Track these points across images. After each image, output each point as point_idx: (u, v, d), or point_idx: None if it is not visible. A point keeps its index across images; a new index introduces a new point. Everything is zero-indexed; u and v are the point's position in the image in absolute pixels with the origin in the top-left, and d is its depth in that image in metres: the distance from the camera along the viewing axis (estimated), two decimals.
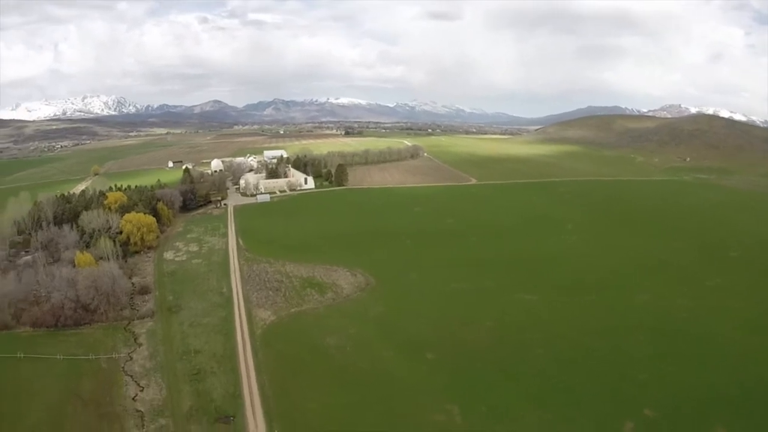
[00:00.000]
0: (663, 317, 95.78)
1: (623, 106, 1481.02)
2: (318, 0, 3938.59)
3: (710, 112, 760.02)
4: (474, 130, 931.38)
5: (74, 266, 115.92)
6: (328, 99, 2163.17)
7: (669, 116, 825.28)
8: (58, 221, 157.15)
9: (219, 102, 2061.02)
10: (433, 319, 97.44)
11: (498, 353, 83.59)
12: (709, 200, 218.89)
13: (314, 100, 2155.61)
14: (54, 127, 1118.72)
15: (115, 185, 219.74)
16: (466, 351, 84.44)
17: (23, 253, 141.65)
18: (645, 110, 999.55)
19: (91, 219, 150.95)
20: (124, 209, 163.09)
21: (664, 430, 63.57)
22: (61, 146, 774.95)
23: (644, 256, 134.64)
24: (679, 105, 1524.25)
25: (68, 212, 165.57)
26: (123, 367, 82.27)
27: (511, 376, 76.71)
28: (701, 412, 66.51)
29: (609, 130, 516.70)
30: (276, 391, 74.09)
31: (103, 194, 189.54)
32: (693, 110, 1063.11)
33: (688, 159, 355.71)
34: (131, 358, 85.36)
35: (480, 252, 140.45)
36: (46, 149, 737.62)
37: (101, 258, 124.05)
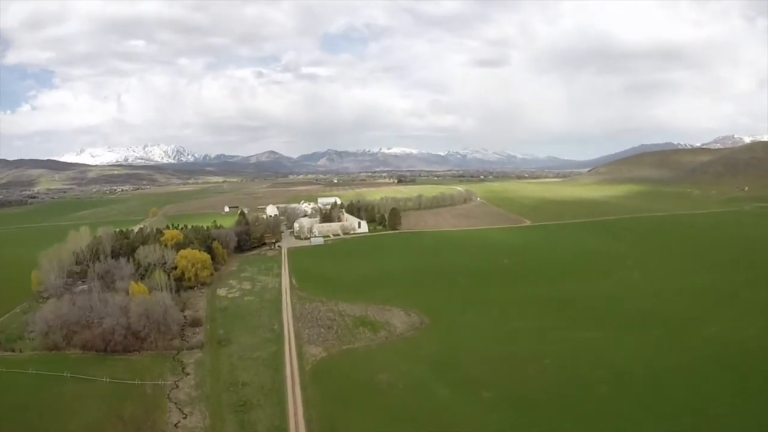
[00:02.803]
0: (733, 350, 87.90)
1: (675, 142, 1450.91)
2: (369, 51, 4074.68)
3: (765, 139, 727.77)
4: (526, 176, 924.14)
5: (128, 295, 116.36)
6: (380, 149, 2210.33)
7: (723, 148, 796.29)
8: (116, 255, 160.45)
9: (274, 152, 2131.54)
10: (489, 357, 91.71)
11: (559, 391, 77.06)
12: None
13: (367, 150, 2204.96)
14: (116, 172, 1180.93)
15: (172, 224, 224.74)
16: (524, 389, 78.39)
17: (80, 282, 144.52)
18: (698, 144, 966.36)
19: (147, 253, 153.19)
20: (179, 246, 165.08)
21: None
22: (122, 190, 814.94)
23: (709, 288, 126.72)
24: (733, 136, 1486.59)
25: (125, 246, 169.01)
26: (168, 394, 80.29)
27: (574, 415, 70.06)
28: None
29: (663, 166, 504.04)
30: (323, 425, 70.10)
31: (160, 231, 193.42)
32: (747, 140, 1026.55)
33: (747, 188, 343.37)
34: (177, 386, 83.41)
35: (537, 291, 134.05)
36: (107, 192, 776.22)
37: (155, 289, 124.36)
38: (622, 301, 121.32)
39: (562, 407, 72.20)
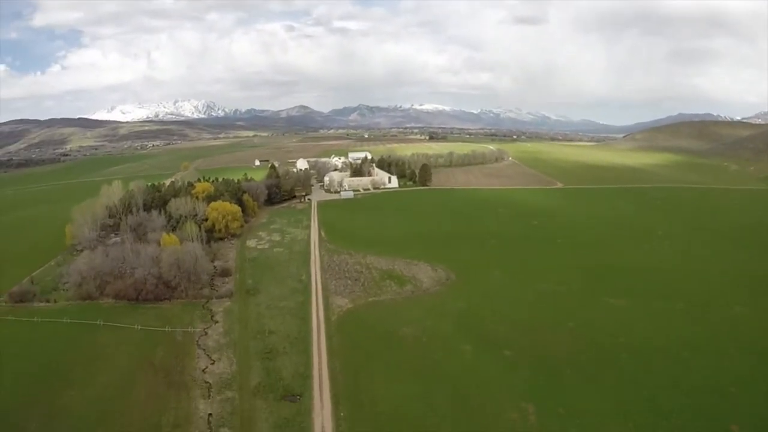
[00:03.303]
0: (758, 331, 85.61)
1: (715, 114, 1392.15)
2: (403, 6, 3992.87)
3: None
4: (560, 138, 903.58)
5: (159, 246, 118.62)
6: (412, 105, 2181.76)
7: (765, 123, 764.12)
8: (148, 207, 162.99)
9: (305, 107, 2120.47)
10: (514, 317, 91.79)
11: (580, 356, 77.01)
12: None
13: (399, 106, 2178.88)
14: (146, 128, 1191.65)
15: (203, 177, 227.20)
16: (546, 351, 78.47)
17: (113, 235, 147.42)
18: (738, 118, 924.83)
19: (178, 206, 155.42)
20: (210, 198, 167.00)
21: None
22: (153, 145, 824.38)
23: (740, 267, 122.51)
24: None
25: (157, 200, 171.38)
26: (197, 341, 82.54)
27: (592, 380, 70.10)
28: None
29: (701, 138, 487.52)
30: (346, 375, 71.54)
31: (191, 184, 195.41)
32: None
33: None
34: (206, 334, 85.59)
35: (565, 255, 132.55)
36: (138, 148, 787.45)
37: (186, 240, 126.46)
38: (650, 271, 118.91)
39: (581, 371, 72.26)
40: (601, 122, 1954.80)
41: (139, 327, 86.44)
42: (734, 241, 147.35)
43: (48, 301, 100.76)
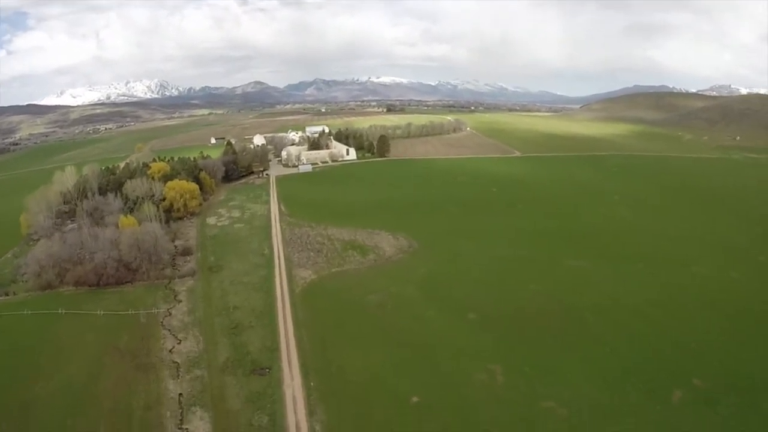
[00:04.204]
0: (717, 290, 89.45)
1: (671, 86, 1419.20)
2: None
3: (762, 92, 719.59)
4: (518, 108, 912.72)
5: (118, 229, 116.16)
6: (369, 78, 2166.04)
7: (718, 96, 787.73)
8: (103, 191, 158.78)
9: (260, 83, 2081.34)
10: (477, 282, 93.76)
11: (544, 317, 79.12)
12: (758, 179, 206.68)
13: (356, 79, 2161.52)
14: (98, 111, 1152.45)
15: (159, 157, 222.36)
16: (510, 313, 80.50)
17: (69, 222, 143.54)
18: (693, 90, 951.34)
19: (135, 187, 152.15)
20: (167, 178, 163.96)
21: (711, 401, 58.63)
22: (106, 128, 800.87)
23: (695, 229, 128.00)
24: (729, 86, 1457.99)
25: (113, 182, 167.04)
26: (162, 322, 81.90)
27: (557, 339, 72.33)
28: (751, 385, 61.14)
29: (657, 108, 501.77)
30: (313, 345, 72.22)
31: (146, 165, 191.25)
32: (744, 91, 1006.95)
33: (738, 138, 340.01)
34: (170, 314, 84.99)
35: (525, 221, 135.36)
36: (91, 132, 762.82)
37: (144, 221, 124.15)
38: (608, 234, 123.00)
39: (547, 331, 74.41)
40: (558, 93, 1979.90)
41: (102, 312, 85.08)
42: (688, 204, 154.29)
43: (7, 294, 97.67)
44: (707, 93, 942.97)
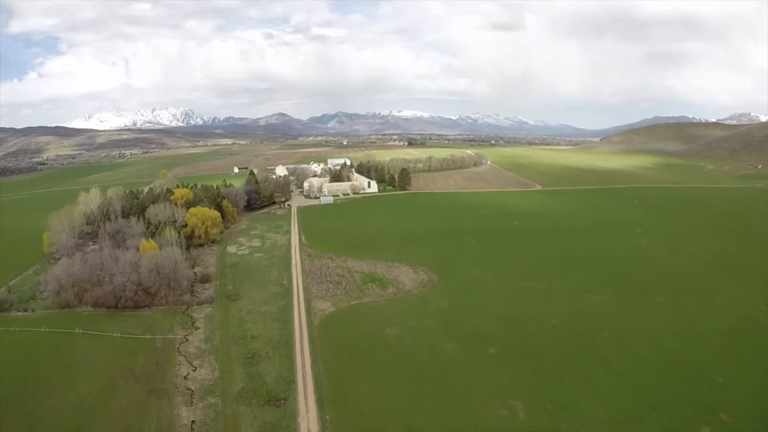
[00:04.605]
0: (740, 321, 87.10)
1: (690, 116, 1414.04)
2: (380, 12, 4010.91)
3: None
4: (537, 142, 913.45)
5: (138, 252, 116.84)
6: (390, 112, 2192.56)
7: (738, 124, 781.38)
8: (126, 214, 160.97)
9: (284, 115, 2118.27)
10: (497, 315, 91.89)
11: (565, 350, 77.21)
12: None
13: (377, 112, 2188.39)
14: (124, 136, 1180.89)
15: (182, 184, 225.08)
16: (531, 347, 78.60)
17: (91, 243, 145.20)
18: (713, 119, 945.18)
19: (157, 212, 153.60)
20: (189, 204, 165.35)
21: None
22: (131, 154, 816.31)
23: (717, 259, 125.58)
24: (749, 113, 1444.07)
25: (136, 206, 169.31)
26: (178, 348, 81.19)
27: (578, 374, 70.18)
28: None
29: (677, 139, 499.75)
30: (330, 377, 70.66)
31: (170, 191, 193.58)
32: (763, 118, 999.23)
33: (760, 166, 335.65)
34: (187, 340, 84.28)
35: (546, 253, 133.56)
36: (116, 156, 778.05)
37: (165, 246, 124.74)
38: (631, 266, 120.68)
39: (567, 366, 72.32)
40: (578, 126, 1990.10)
41: (119, 335, 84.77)
42: (712, 235, 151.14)
43: (26, 311, 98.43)
44: (727, 122, 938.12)
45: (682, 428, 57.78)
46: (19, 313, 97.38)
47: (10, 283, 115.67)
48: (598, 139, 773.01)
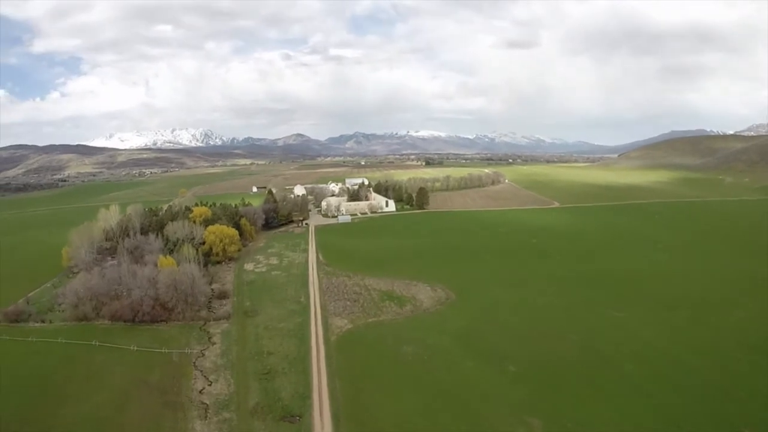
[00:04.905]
0: (762, 335, 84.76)
1: (708, 129, 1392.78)
2: (397, 32, 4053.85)
3: None
4: (555, 160, 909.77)
5: (156, 268, 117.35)
6: (408, 132, 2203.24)
7: (757, 136, 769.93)
8: (145, 231, 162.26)
9: (302, 135, 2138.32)
10: (516, 332, 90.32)
11: (585, 368, 75.36)
12: None
13: (394, 133, 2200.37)
14: (144, 155, 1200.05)
15: (201, 202, 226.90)
16: (550, 364, 76.80)
17: (110, 258, 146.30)
18: (731, 132, 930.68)
19: (176, 229, 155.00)
20: (208, 222, 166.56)
21: None
22: (151, 172, 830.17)
23: (739, 274, 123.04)
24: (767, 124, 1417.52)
25: (155, 223, 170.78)
26: (194, 362, 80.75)
27: (598, 391, 68.38)
28: None
29: (695, 153, 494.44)
30: (347, 394, 69.57)
31: (188, 209, 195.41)
32: None
33: None
34: (203, 355, 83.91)
35: (566, 270, 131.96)
36: (136, 175, 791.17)
37: (183, 263, 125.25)
38: (650, 282, 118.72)
39: (587, 383, 70.50)
40: (595, 143, 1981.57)
41: (135, 348, 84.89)
42: (733, 249, 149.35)
43: (43, 322, 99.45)
44: (745, 134, 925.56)
45: None
46: (37, 324, 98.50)
47: (29, 294, 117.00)
48: (616, 156, 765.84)
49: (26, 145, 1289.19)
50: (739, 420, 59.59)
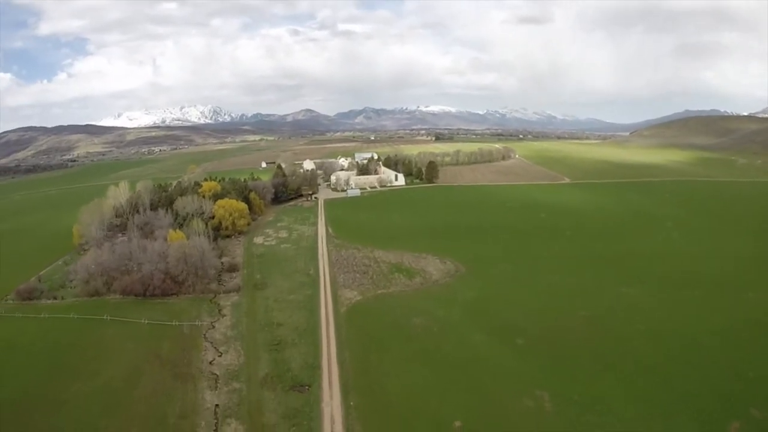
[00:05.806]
0: None
1: (722, 110, 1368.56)
2: (407, 8, 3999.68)
3: None
4: (566, 136, 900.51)
5: (166, 242, 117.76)
6: (418, 107, 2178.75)
7: None
8: (154, 207, 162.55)
9: (311, 111, 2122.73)
10: (525, 307, 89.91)
11: (594, 343, 74.99)
12: None
13: (404, 108, 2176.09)
14: (153, 134, 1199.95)
15: (210, 177, 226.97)
16: (559, 339, 76.45)
17: (120, 234, 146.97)
18: (746, 113, 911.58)
19: (185, 204, 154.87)
20: (217, 197, 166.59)
21: None
22: (160, 150, 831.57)
23: (750, 253, 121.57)
24: None
25: (164, 199, 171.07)
26: (204, 334, 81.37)
27: (607, 367, 68.06)
28: None
29: (709, 133, 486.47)
30: (356, 365, 69.91)
31: (198, 183, 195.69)
32: None
33: None
34: (213, 327, 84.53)
35: (576, 247, 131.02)
36: (146, 153, 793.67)
37: (192, 236, 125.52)
38: (662, 260, 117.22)
39: (597, 358, 70.24)
40: (607, 120, 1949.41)
41: (146, 321, 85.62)
42: (745, 230, 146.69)
43: (55, 299, 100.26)
44: (760, 115, 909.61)
45: (712, 423, 55.70)
46: (48, 301, 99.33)
47: (41, 272, 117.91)
48: (628, 133, 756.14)
49: (35, 127, 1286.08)
50: (747, 399, 59.25)
